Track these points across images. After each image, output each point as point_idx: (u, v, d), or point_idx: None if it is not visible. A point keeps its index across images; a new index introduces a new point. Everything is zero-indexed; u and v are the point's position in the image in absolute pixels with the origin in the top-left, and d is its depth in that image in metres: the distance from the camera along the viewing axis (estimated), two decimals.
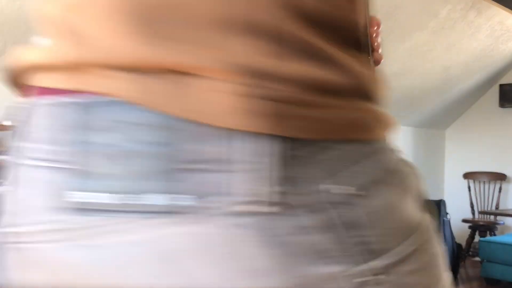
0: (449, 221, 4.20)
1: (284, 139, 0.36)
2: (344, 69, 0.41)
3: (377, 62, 0.57)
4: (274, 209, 0.36)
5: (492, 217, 5.02)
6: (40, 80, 0.42)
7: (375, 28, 0.62)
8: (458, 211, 5.12)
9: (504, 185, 5.23)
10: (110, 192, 0.36)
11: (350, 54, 0.43)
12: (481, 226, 4.91)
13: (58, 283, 0.38)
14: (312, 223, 0.36)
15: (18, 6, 2.31)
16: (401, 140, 5.27)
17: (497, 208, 5.10)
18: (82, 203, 0.37)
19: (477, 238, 4.83)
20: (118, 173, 0.36)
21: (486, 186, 5.26)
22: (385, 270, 0.38)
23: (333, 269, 0.36)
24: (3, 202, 0.43)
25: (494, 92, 5.41)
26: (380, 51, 0.61)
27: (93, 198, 0.36)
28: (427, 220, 0.44)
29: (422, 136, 5.52)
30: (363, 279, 0.37)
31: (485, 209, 5.14)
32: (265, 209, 0.35)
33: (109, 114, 0.37)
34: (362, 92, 0.42)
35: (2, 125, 2.35)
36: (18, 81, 0.48)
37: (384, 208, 0.40)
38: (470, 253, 5.03)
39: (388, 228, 0.40)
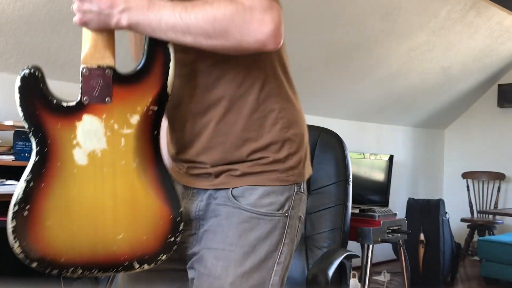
0: (448, 221, 4.21)
1: None
2: None
3: None
4: None
5: (491, 216, 5.03)
6: None
7: None
8: (457, 211, 5.14)
9: (502, 185, 5.25)
10: None
11: None
12: (480, 226, 4.92)
13: None
14: None
15: (19, 6, 2.31)
16: (401, 140, 5.28)
17: (495, 207, 5.11)
18: None
19: (476, 237, 4.84)
20: None
21: (485, 185, 5.27)
22: None
23: None
24: None
25: (493, 92, 5.43)
26: None
27: None
28: None
29: (421, 136, 5.53)
30: None
31: (484, 208, 5.15)
32: None
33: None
34: None
35: (2, 125, 2.35)
36: None
37: None
38: (469, 252, 5.04)
39: None
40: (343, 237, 1.97)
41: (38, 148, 0.95)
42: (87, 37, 0.96)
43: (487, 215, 5.07)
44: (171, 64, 0.96)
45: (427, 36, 3.95)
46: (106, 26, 0.94)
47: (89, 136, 0.96)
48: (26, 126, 0.94)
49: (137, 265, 1.02)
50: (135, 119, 0.97)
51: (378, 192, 4.18)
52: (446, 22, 3.88)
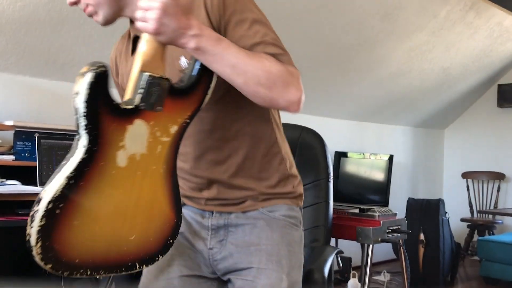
0: (448, 221, 4.22)
1: None
2: None
3: None
4: None
5: (490, 216, 5.04)
6: None
7: None
8: (457, 211, 5.14)
9: (502, 185, 5.25)
10: None
11: None
12: (480, 225, 4.93)
13: None
14: None
15: (20, 7, 2.32)
16: (400, 140, 5.28)
17: (495, 207, 5.12)
18: None
19: (475, 237, 4.85)
20: None
21: (485, 185, 5.27)
22: None
23: None
24: None
25: (493, 92, 5.43)
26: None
27: None
28: None
29: (421, 136, 5.53)
30: None
31: (484, 208, 5.15)
32: None
33: None
34: None
35: (2, 125, 2.36)
36: None
37: None
38: (469, 252, 5.05)
39: None
40: (326, 234, 2.00)
41: (89, 146, 0.95)
42: (148, 45, 1.00)
43: (487, 215, 5.07)
44: (212, 85, 1.07)
45: (427, 36, 3.96)
46: (172, 42, 1.01)
47: (135, 139, 0.99)
48: (84, 122, 0.94)
49: (138, 266, 1.05)
50: (173, 129, 1.04)
51: (378, 192, 4.19)
52: (446, 23, 3.88)
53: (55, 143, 2.36)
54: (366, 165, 4.32)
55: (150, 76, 0.98)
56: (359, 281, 3.03)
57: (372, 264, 3.03)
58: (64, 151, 2.37)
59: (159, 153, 1.03)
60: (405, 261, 3.13)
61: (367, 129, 4.89)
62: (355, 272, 3.18)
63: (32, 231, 0.92)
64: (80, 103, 0.94)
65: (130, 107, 0.98)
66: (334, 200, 4.02)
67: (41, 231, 0.92)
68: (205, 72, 1.05)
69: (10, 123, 2.35)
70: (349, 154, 4.32)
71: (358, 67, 3.96)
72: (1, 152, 2.31)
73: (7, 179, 2.18)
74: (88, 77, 0.93)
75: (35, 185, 2.19)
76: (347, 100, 4.38)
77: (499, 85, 5.35)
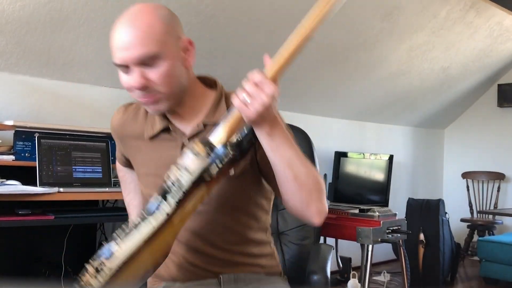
0: (448, 221, 4.22)
1: None
2: None
3: None
4: None
5: (490, 216, 5.04)
6: None
7: None
8: (456, 211, 5.14)
9: (502, 185, 5.25)
10: None
11: None
12: (480, 226, 4.93)
13: None
14: None
15: (20, 6, 2.32)
16: (400, 140, 5.28)
17: (495, 207, 5.12)
18: None
19: (475, 237, 4.85)
20: None
21: (485, 185, 5.27)
22: None
23: None
24: None
25: (493, 92, 5.43)
26: None
27: None
28: None
29: (421, 136, 5.53)
30: None
31: (484, 208, 5.15)
32: None
33: None
34: None
35: (3, 125, 2.36)
36: None
37: None
38: (469, 252, 5.05)
39: None
40: (316, 232, 2.00)
41: (172, 213, 1.02)
42: (235, 121, 1.05)
43: (486, 215, 5.07)
44: (248, 157, 1.17)
45: (427, 36, 3.96)
46: (255, 124, 1.06)
47: (193, 200, 1.06)
48: (180, 196, 1.02)
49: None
50: (214, 188, 1.10)
51: (378, 192, 4.19)
52: (446, 22, 3.88)
53: (55, 143, 2.36)
54: (366, 165, 4.32)
55: (232, 153, 1.05)
56: (359, 282, 3.03)
57: (372, 264, 3.03)
58: (64, 151, 2.37)
59: (196, 208, 1.09)
60: (405, 261, 3.14)
61: (367, 129, 4.89)
62: (355, 273, 3.18)
63: (96, 285, 0.99)
64: (187, 181, 1.02)
65: (208, 178, 1.05)
66: (334, 200, 4.04)
67: (105, 285, 0.99)
68: (249, 148, 1.11)
69: (10, 123, 2.35)
70: (349, 154, 4.32)
71: (358, 67, 3.96)
72: (1, 152, 2.31)
73: (7, 179, 2.18)
74: (204, 162, 1.02)
75: (35, 185, 2.19)
76: (347, 100, 4.38)
77: (499, 85, 5.35)
